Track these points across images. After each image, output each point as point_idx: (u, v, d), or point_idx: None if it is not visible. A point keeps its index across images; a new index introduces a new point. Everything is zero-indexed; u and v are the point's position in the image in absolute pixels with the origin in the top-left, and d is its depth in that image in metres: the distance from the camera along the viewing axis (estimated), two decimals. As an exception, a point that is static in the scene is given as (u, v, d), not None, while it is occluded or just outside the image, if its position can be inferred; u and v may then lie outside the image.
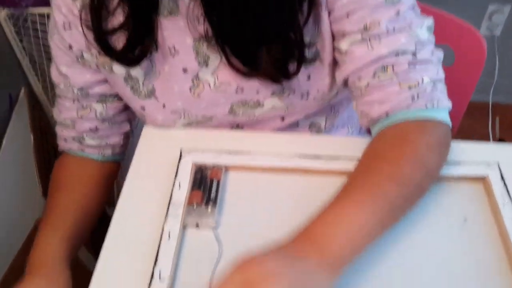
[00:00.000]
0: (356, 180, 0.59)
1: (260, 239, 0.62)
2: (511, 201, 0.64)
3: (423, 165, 0.59)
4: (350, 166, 0.68)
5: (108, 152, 0.82)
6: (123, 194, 0.68)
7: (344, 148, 0.72)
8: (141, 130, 0.77)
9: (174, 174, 0.67)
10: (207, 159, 0.69)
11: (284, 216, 0.65)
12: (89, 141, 0.79)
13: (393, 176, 0.57)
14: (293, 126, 0.81)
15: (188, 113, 0.75)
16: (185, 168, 0.68)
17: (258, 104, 0.74)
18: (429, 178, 0.61)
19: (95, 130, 0.79)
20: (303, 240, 0.53)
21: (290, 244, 0.52)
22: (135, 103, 0.75)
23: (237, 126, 0.79)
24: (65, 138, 0.81)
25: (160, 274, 0.57)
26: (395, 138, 0.61)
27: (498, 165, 0.68)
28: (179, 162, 0.69)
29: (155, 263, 0.58)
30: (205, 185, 0.66)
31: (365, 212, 0.55)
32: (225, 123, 0.78)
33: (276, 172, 0.70)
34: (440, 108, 0.63)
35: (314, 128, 0.83)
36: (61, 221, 0.72)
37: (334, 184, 0.67)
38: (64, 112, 0.79)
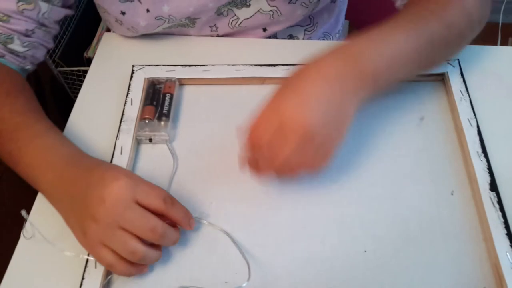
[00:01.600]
0: (403, 14, 0.59)
1: (215, 150, 0.62)
2: (469, 96, 0.63)
3: (468, 13, 0.60)
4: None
5: (28, 66, 0.68)
6: (75, 111, 0.67)
7: (300, 53, 0.70)
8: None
9: (127, 90, 0.66)
10: (160, 74, 0.67)
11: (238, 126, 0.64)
12: (16, 45, 0.64)
13: (440, 16, 0.57)
14: (272, 39, 0.78)
15: (174, 18, 0.70)
16: (137, 83, 0.66)
17: (245, 3, 0.71)
18: (471, 29, 0.61)
19: (31, 33, 0.65)
20: (347, 61, 0.52)
21: (336, 57, 0.53)
22: (115, 7, 0.69)
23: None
24: None
25: (113, 189, 0.57)
26: None
27: (459, 62, 0.66)
28: (131, 77, 0.67)
29: (108, 178, 0.58)
30: (158, 100, 0.64)
31: (409, 42, 0.55)
32: (205, 33, 0.75)
33: (231, 82, 0.68)
34: None
35: None
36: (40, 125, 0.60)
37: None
38: None
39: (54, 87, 1.13)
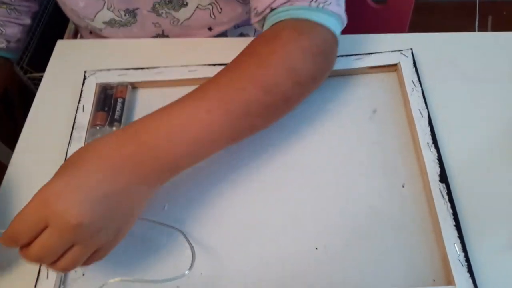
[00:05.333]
0: (219, 76, 0.52)
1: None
2: (420, 86, 0.62)
3: (293, 71, 0.53)
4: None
5: (1, 44, 0.73)
6: (28, 121, 0.66)
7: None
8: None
9: (79, 96, 0.65)
10: (112, 78, 0.67)
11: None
12: None
13: (259, 78, 0.51)
14: (222, 37, 0.78)
15: (111, 3, 0.70)
16: (89, 89, 0.66)
17: (182, 3, 0.70)
18: (299, 88, 0.54)
19: None
20: (139, 144, 0.45)
21: (119, 148, 0.45)
22: None
23: (162, 35, 0.76)
24: None
25: (63, 198, 0.57)
26: (270, 35, 0.56)
27: (412, 52, 0.66)
28: (83, 84, 0.66)
29: (58, 188, 0.57)
30: (110, 105, 0.64)
31: (216, 115, 0.48)
32: (150, 29, 0.74)
33: (185, 84, 0.67)
34: (328, 12, 0.56)
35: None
36: None
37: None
38: None
39: (24, 95, 1.12)
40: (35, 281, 0.52)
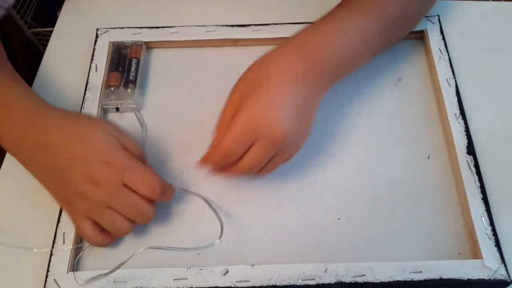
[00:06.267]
0: None
1: (186, 117, 0.59)
2: (448, 54, 0.60)
3: None
4: (279, 33, 0.63)
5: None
6: (37, 81, 0.63)
7: (275, 11, 0.66)
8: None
9: (91, 55, 0.63)
10: (126, 37, 0.64)
11: (209, 91, 0.61)
12: None
13: None
14: None
15: None
16: (102, 48, 0.63)
17: None
18: (429, 1, 0.58)
19: None
20: (307, 60, 0.50)
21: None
22: None
23: None
24: None
25: (78, 161, 0.55)
26: None
27: (439, 19, 0.63)
28: (95, 42, 0.63)
29: (73, 150, 0.55)
30: (124, 66, 0.61)
31: (368, 30, 0.52)
32: None
33: (201, 45, 0.65)
34: None
35: None
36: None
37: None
38: None
39: (28, 50, 1.08)
40: (51, 247, 0.50)
